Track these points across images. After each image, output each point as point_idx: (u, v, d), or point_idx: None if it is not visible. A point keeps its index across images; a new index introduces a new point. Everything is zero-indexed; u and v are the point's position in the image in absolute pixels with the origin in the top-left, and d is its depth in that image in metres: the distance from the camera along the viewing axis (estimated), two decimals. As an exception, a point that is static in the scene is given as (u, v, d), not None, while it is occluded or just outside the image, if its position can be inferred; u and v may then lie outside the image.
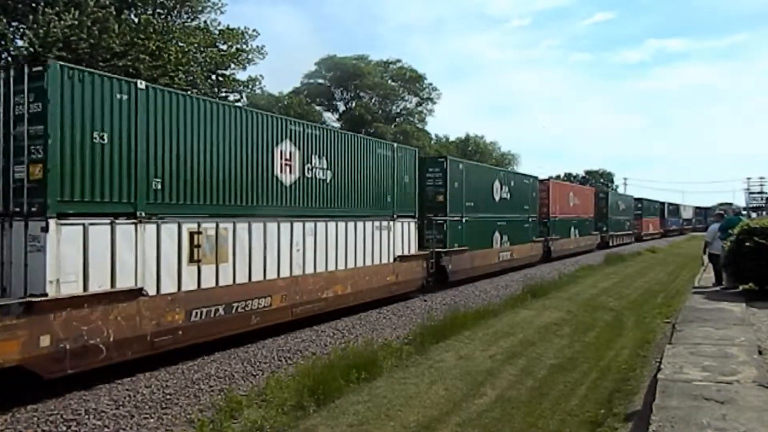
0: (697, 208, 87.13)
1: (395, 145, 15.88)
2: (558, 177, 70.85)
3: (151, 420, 6.96)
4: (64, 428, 6.63)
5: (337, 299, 12.77)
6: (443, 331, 11.33)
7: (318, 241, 12.17)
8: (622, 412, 7.19)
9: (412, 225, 16.04)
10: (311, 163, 12.12)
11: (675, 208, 67.31)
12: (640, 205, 50.05)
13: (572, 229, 31.89)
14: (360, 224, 13.64)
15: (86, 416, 6.93)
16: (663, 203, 61.74)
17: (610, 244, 39.08)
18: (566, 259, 29.51)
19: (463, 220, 19.18)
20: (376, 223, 14.27)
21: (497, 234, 22.10)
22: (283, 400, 7.35)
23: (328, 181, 12.56)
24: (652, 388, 5.60)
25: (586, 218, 34.90)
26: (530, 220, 25.79)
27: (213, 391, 7.95)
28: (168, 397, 7.69)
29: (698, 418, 4.28)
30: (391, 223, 14.91)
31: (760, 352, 6.44)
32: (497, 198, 22.24)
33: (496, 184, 22.27)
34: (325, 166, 12.46)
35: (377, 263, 14.28)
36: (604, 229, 38.71)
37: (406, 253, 15.55)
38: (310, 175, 12.04)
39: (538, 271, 23.51)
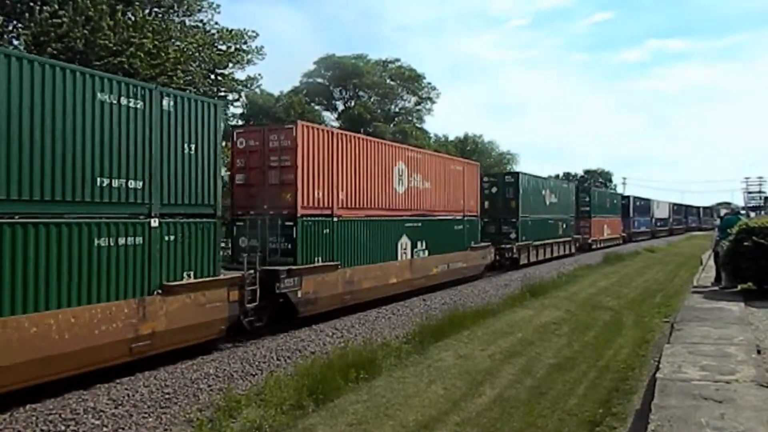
0: (675, 205, 68.67)
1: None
2: (557, 176, 70.27)
3: (150, 419, 6.95)
4: (63, 428, 6.62)
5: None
6: (442, 330, 11.34)
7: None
8: (621, 412, 7.20)
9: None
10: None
11: (645, 204, 52.09)
12: (587, 199, 35.19)
13: (405, 241, 15.64)
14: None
15: (85, 415, 6.92)
16: (627, 197, 47.53)
17: (522, 261, 24.26)
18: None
19: None
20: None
21: None
22: (281, 399, 7.35)
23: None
24: (651, 388, 5.60)
25: (456, 218, 19.04)
26: (167, 223, 8.92)
27: (212, 391, 7.95)
28: (167, 396, 7.69)
29: (697, 417, 4.28)
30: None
31: (758, 352, 6.46)
32: None
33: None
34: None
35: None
36: (512, 235, 23.80)
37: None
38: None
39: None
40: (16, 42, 18.62)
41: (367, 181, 14.32)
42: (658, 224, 56.37)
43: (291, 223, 11.82)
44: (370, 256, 14.13)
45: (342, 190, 13.32)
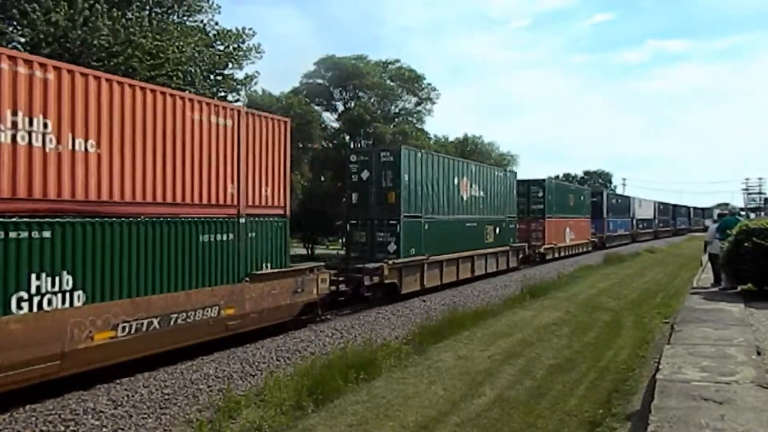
0: (662, 204, 60.52)
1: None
2: (557, 177, 70.32)
3: (150, 420, 6.95)
4: (63, 428, 6.62)
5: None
6: (442, 331, 11.36)
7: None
8: (621, 413, 7.20)
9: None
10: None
11: (623, 203, 44.08)
12: (540, 194, 27.22)
13: None
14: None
15: (84, 416, 6.92)
16: (599, 193, 39.67)
17: (407, 288, 15.51)
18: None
19: None
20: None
21: None
22: (281, 400, 7.35)
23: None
24: (651, 389, 5.60)
25: (213, 220, 9.66)
26: None
27: (211, 391, 7.95)
28: (166, 397, 7.69)
29: (697, 418, 4.28)
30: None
31: (758, 353, 6.45)
32: None
33: None
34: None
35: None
36: (391, 247, 15.31)
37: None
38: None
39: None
40: (15, 44, 18.66)
41: None
42: (641, 226, 48.39)
43: None
44: None
45: None
